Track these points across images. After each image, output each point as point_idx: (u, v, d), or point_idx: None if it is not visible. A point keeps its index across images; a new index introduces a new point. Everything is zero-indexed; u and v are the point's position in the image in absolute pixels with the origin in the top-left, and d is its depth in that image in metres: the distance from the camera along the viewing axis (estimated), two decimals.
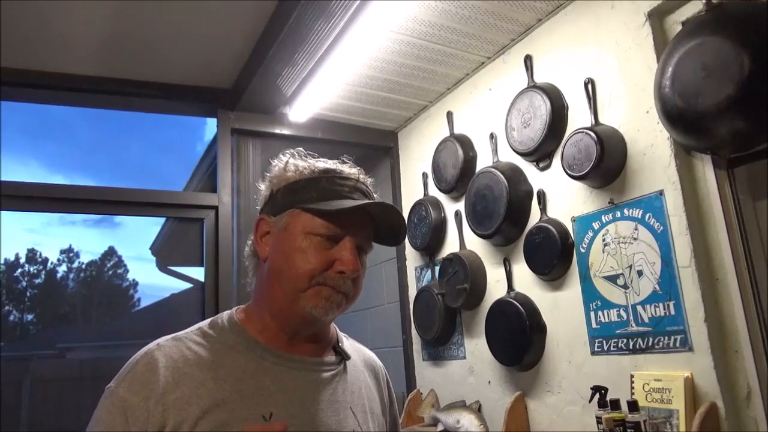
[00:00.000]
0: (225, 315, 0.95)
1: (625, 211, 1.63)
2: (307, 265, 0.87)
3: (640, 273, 1.58)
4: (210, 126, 2.53)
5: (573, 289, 1.79)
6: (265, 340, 0.90)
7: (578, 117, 1.79)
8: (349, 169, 0.96)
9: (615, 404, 1.51)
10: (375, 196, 0.97)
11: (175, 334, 0.90)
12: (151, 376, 0.82)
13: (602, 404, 1.56)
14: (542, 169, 1.94)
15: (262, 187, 0.98)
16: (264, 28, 2.03)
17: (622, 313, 1.62)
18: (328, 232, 0.89)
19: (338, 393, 0.93)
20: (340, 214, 0.88)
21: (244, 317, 0.94)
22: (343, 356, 0.98)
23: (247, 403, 0.83)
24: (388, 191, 2.84)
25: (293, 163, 0.95)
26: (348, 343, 1.05)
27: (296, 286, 0.88)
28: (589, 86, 1.74)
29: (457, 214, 2.34)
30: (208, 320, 0.94)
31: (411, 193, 2.69)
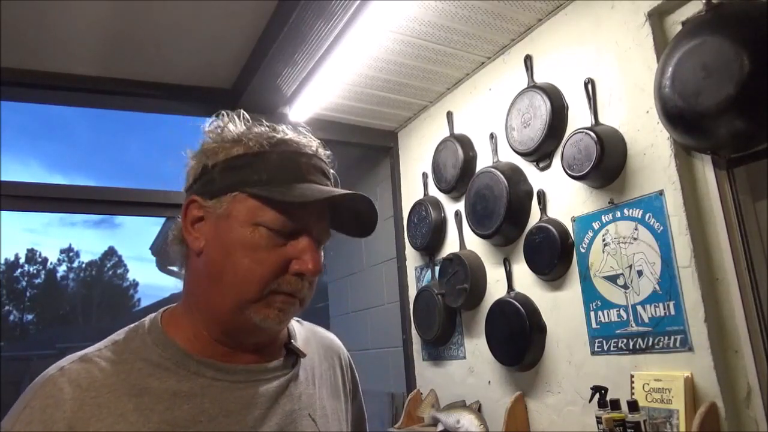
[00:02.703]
0: (147, 322, 0.76)
1: (625, 211, 1.63)
2: (257, 269, 0.70)
3: (640, 273, 1.58)
4: None
5: (573, 289, 1.79)
6: (198, 352, 0.73)
7: (578, 117, 1.79)
8: (305, 140, 0.77)
9: (615, 404, 1.51)
10: (332, 172, 0.80)
11: (83, 352, 0.71)
12: (54, 411, 0.64)
13: (602, 404, 1.56)
14: (542, 169, 1.94)
15: (189, 157, 0.78)
16: (264, 28, 2.03)
17: (622, 313, 1.62)
18: (282, 227, 0.71)
19: (294, 401, 0.78)
20: (300, 205, 0.71)
21: (170, 324, 0.76)
22: (297, 354, 0.82)
23: None
24: (388, 191, 2.84)
25: (234, 130, 0.76)
26: (303, 333, 0.89)
27: (243, 296, 0.71)
28: (589, 86, 1.74)
29: (457, 214, 2.34)
30: (124, 330, 0.76)
31: (411, 193, 2.69)
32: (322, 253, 0.78)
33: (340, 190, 0.75)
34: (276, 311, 0.72)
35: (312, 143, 0.78)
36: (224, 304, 0.72)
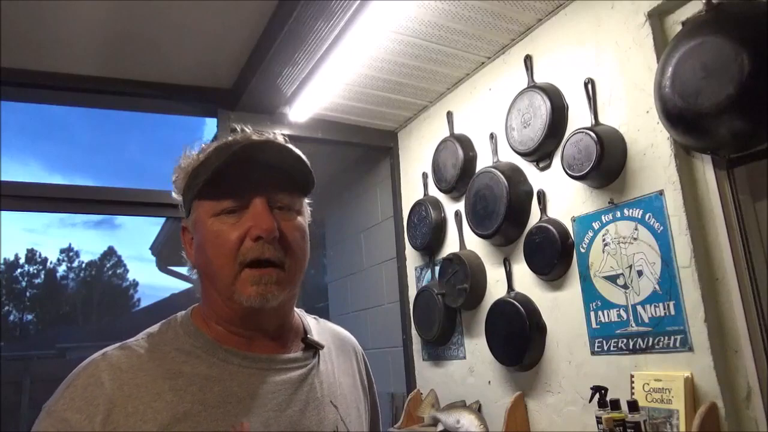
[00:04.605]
0: (179, 317, 0.85)
1: (625, 211, 1.63)
2: (222, 249, 0.77)
3: (640, 273, 1.58)
4: (209, 126, 2.53)
5: (573, 289, 1.79)
6: (225, 343, 0.81)
7: (578, 117, 1.79)
8: (257, 135, 0.83)
9: (615, 404, 1.51)
10: (285, 147, 0.83)
11: (123, 342, 0.80)
12: (96, 389, 0.72)
13: (602, 404, 1.56)
14: (542, 169, 1.94)
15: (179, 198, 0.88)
16: (264, 28, 2.03)
17: (622, 313, 1.62)
18: (232, 205, 0.78)
19: (315, 389, 0.84)
20: (228, 178, 0.77)
21: (198, 318, 0.84)
22: (315, 347, 0.89)
23: (213, 414, 0.74)
24: (388, 191, 2.84)
25: (186, 156, 0.85)
26: (317, 328, 0.95)
27: (224, 277, 0.78)
28: (589, 86, 1.74)
29: (457, 214, 2.34)
30: (158, 324, 0.85)
31: (411, 193, 2.69)
32: (301, 219, 0.84)
33: (244, 142, 0.79)
34: (253, 286, 0.77)
35: (263, 136, 0.83)
36: (217, 295, 0.80)
